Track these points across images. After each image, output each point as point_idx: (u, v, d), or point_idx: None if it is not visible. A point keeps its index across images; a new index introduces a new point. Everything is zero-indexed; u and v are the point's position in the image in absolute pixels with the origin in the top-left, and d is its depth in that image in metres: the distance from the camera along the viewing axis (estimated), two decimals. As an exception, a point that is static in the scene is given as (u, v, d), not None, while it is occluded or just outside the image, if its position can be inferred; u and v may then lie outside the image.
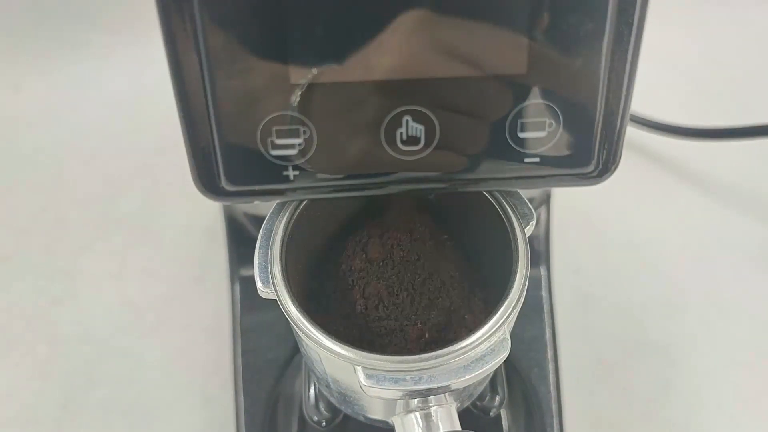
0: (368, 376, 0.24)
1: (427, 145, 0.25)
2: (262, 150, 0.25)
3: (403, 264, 0.29)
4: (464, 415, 0.28)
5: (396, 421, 0.27)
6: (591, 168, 0.26)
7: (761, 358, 0.44)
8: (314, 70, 0.23)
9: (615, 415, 0.42)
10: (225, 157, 0.25)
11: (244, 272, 0.42)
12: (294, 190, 0.26)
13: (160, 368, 0.43)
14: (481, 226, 0.29)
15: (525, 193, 0.28)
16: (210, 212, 0.48)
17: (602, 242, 0.49)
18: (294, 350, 0.39)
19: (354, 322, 0.28)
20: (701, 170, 0.52)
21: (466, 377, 0.24)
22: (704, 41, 0.60)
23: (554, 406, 0.39)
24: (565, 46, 0.23)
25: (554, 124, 0.25)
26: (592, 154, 0.25)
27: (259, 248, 0.27)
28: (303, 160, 0.25)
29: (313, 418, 0.36)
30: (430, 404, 0.26)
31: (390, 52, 0.23)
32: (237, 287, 0.42)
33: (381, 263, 0.29)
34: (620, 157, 0.26)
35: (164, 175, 0.52)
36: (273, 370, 0.39)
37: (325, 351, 0.25)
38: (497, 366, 0.25)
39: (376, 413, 0.32)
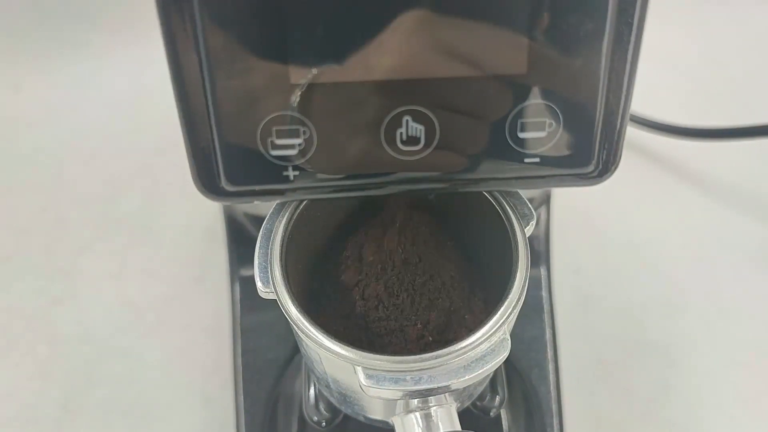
0: (368, 376, 0.24)
1: (427, 145, 0.25)
2: (262, 150, 0.25)
3: (403, 264, 0.29)
4: (464, 415, 0.28)
5: (396, 421, 0.27)
6: (591, 168, 0.26)
7: (761, 358, 0.44)
8: (314, 70, 0.23)
9: (615, 415, 0.42)
10: (225, 157, 0.25)
11: (244, 272, 0.42)
12: (294, 190, 0.26)
13: (160, 368, 0.43)
14: (481, 226, 0.29)
15: (525, 193, 0.28)
16: (210, 212, 0.48)
17: (602, 242, 0.49)
18: (294, 350, 0.39)
19: (354, 322, 0.28)
20: (701, 170, 0.52)
21: (466, 377, 0.24)
22: (704, 41, 0.60)
23: (554, 406, 0.39)
24: (565, 46, 0.23)
25: (554, 124, 0.25)
26: (592, 154, 0.25)
27: (259, 248, 0.27)
28: (303, 160, 0.25)
29: (313, 418, 0.36)
30: (430, 404, 0.26)
31: (390, 52, 0.23)
32: (237, 287, 0.42)
33: (381, 264, 0.29)
34: (620, 157, 0.26)
35: (164, 175, 0.52)
36: (273, 370, 0.39)
37: (325, 351, 0.25)
38: (497, 366, 0.25)
39: (376, 413, 0.32)
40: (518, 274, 0.26)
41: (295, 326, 0.25)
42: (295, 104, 0.24)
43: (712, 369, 0.44)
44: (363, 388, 0.24)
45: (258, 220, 0.30)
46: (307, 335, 0.25)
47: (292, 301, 0.26)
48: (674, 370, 0.43)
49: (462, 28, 0.23)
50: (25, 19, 0.59)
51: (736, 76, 0.58)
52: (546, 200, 0.45)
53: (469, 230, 0.30)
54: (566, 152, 0.25)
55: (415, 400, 0.26)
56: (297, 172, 0.25)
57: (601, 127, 0.25)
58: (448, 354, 0.24)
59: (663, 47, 0.55)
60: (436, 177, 0.26)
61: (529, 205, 0.28)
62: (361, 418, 0.33)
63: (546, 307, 0.42)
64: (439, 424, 0.26)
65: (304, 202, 0.28)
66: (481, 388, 0.35)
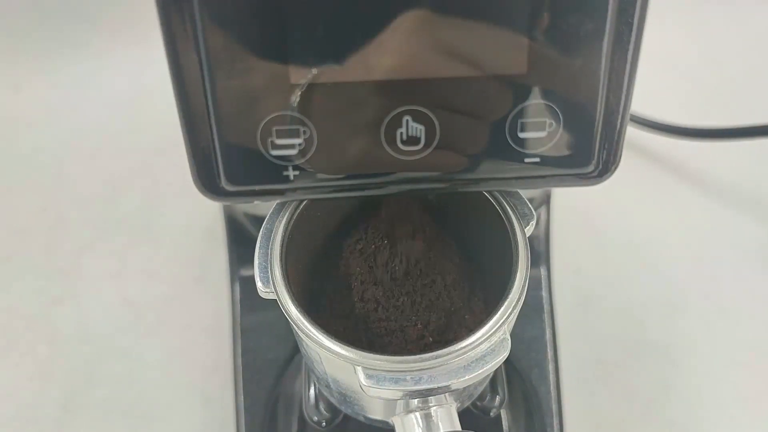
0: (368, 376, 0.24)
1: (427, 145, 0.25)
2: (262, 150, 0.25)
3: (403, 264, 0.29)
4: (464, 415, 0.28)
5: (396, 421, 0.27)
6: (591, 168, 0.26)
7: (761, 358, 0.44)
8: (314, 70, 0.23)
9: (615, 415, 0.42)
10: (225, 157, 0.25)
11: (244, 272, 0.42)
12: (294, 190, 0.26)
13: (160, 368, 0.43)
14: (481, 226, 0.29)
15: (525, 193, 0.28)
16: (210, 212, 0.48)
17: (602, 242, 0.49)
18: (294, 350, 0.39)
19: (354, 322, 0.28)
20: (701, 170, 0.52)
21: (467, 377, 0.24)
22: (704, 41, 0.60)
23: (554, 406, 0.39)
24: (565, 46, 0.23)
25: (554, 124, 0.25)
26: (592, 154, 0.25)
27: (259, 248, 0.27)
28: (303, 160, 0.25)
29: (313, 418, 0.36)
30: (430, 404, 0.26)
31: (390, 52, 0.23)
32: (237, 287, 0.42)
33: (381, 264, 0.29)
34: (620, 157, 0.26)
35: (164, 175, 0.52)
36: (273, 370, 0.39)
37: (325, 351, 0.25)
38: (497, 366, 0.25)
39: (376, 413, 0.32)
40: (518, 274, 0.26)
41: (295, 326, 0.25)
42: (295, 104, 0.24)
43: (712, 369, 0.44)
44: (363, 388, 0.24)
45: (258, 220, 0.30)
46: (307, 335, 0.25)
47: (292, 301, 0.26)
48: (674, 370, 0.43)
49: (462, 28, 0.23)
50: (25, 19, 0.59)
51: (736, 76, 0.58)
52: (546, 200, 0.45)
53: (469, 230, 0.30)
54: (566, 152, 0.25)
55: (415, 400, 0.26)
56: (297, 172, 0.25)
57: (601, 127, 0.25)
58: (448, 354, 0.24)
59: (663, 47, 0.55)
60: (436, 177, 0.26)
61: (529, 205, 0.28)
62: (361, 418, 0.33)
63: (546, 307, 0.42)
64: (439, 424, 0.26)
65: (304, 202, 0.28)
66: (481, 388, 0.35)
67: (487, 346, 0.25)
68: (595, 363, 0.44)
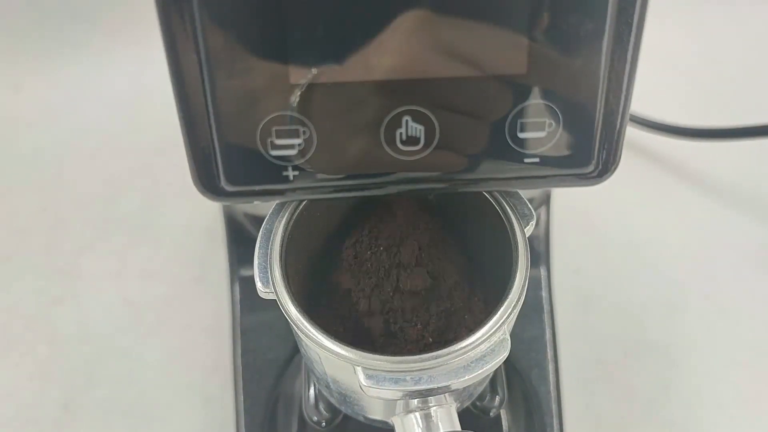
0: (368, 377, 0.24)
1: (426, 145, 0.25)
2: (262, 150, 0.25)
3: (403, 264, 0.29)
4: (464, 415, 0.28)
5: (396, 421, 0.27)
6: (591, 168, 0.26)
7: (761, 358, 0.44)
8: (314, 70, 0.23)
9: (615, 415, 0.42)
10: (225, 158, 0.25)
11: (244, 272, 0.42)
12: (294, 190, 0.26)
13: (160, 368, 0.43)
14: (481, 226, 0.29)
15: (525, 193, 0.28)
16: (210, 212, 0.48)
17: (602, 242, 0.49)
18: (294, 350, 0.39)
19: (354, 322, 0.28)
20: (701, 170, 0.52)
21: (466, 377, 0.24)
22: (704, 41, 0.60)
23: (554, 406, 0.39)
24: (565, 46, 0.23)
25: (554, 124, 0.25)
26: (592, 154, 0.25)
27: (259, 248, 0.27)
28: (303, 161, 0.25)
29: (313, 418, 0.36)
30: (430, 404, 0.26)
31: (390, 52, 0.23)
32: (237, 287, 0.42)
33: (380, 264, 0.29)
34: (620, 157, 0.26)
35: (164, 175, 0.52)
36: (273, 370, 0.39)
37: (325, 351, 0.25)
38: (497, 366, 0.25)
39: (376, 413, 0.32)
40: (518, 274, 0.26)
41: (295, 326, 0.25)
42: (295, 104, 0.24)
43: (712, 369, 0.44)
44: (363, 388, 0.24)
45: (258, 220, 0.30)
46: (306, 335, 0.25)
47: (292, 301, 0.26)
48: (674, 370, 0.43)
49: (462, 28, 0.23)
50: (25, 19, 0.59)
51: (736, 76, 0.58)
52: (546, 200, 0.45)
53: (469, 230, 0.30)
54: (566, 152, 0.25)
55: (415, 400, 0.26)
56: (297, 172, 0.25)
57: (601, 127, 0.25)
58: (448, 354, 0.24)
59: (663, 47, 0.55)
60: (436, 177, 0.26)
61: (529, 205, 0.28)
62: (361, 418, 0.33)
63: (546, 307, 0.42)
64: (439, 424, 0.26)
65: (304, 202, 0.28)
66: (481, 388, 0.35)
67: (486, 346, 0.25)
68: (595, 363, 0.44)
